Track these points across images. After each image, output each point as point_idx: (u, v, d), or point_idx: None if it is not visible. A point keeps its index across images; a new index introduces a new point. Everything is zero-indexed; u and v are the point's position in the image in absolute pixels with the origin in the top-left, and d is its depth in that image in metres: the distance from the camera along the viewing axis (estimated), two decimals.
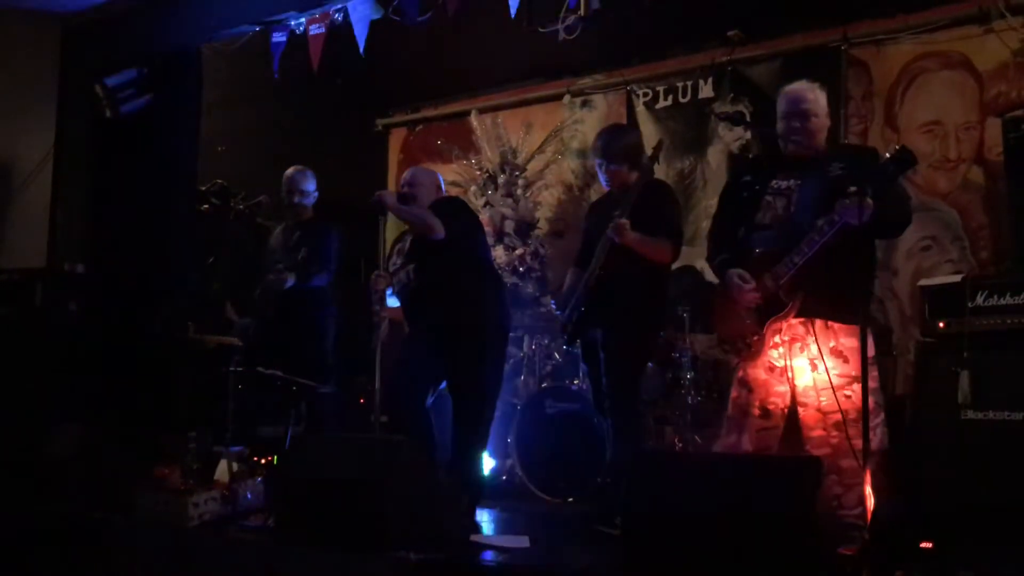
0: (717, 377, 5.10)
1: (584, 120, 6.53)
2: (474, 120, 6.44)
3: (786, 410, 3.63)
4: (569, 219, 6.41)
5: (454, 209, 4.46)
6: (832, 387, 3.46)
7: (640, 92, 6.44)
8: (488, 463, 5.05)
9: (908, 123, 5.45)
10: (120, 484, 4.12)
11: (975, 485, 3.45)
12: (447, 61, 6.50)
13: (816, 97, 3.70)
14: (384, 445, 3.73)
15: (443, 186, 4.78)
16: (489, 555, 3.46)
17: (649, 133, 6.38)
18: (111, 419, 5.11)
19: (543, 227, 6.36)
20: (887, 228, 3.50)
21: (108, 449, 4.57)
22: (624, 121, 6.47)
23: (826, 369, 3.47)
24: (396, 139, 7.70)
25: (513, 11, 4.63)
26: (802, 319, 3.55)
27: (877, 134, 5.47)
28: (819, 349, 3.50)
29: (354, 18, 5.10)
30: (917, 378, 3.84)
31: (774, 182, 3.68)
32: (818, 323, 3.53)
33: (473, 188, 6.32)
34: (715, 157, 5.98)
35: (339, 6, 5.20)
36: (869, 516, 3.22)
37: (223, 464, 4.17)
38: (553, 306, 4.72)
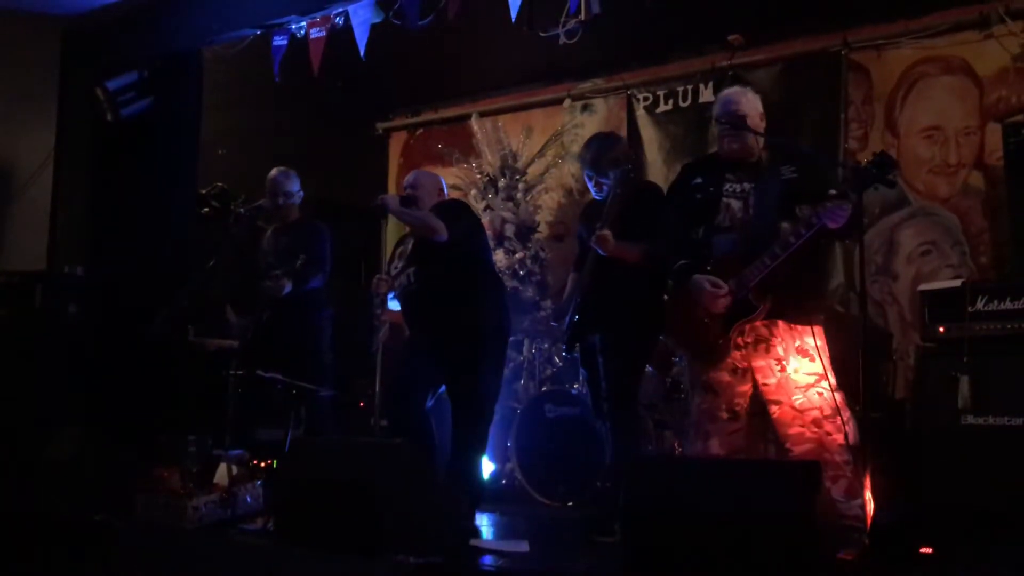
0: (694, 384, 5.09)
1: (584, 124, 6.54)
2: (474, 124, 6.44)
3: (749, 411, 3.63)
4: (569, 223, 6.42)
5: (456, 212, 4.46)
6: (805, 387, 3.48)
7: (640, 96, 6.45)
8: (488, 467, 5.05)
9: (908, 128, 5.46)
10: (120, 487, 4.12)
11: (975, 490, 3.45)
12: (447, 65, 6.51)
13: (748, 100, 3.72)
14: (384, 449, 3.73)
15: (445, 189, 4.78)
16: (488, 559, 3.46)
17: (649, 137, 6.40)
18: (111, 422, 5.10)
19: (543, 231, 6.37)
20: (851, 230, 3.47)
21: (108, 452, 4.57)
22: (624, 125, 6.48)
23: (814, 364, 3.48)
24: (396, 143, 7.71)
25: (514, 15, 4.62)
26: (765, 320, 3.54)
27: (877, 139, 5.48)
28: (787, 350, 3.52)
29: (355, 22, 5.10)
30: (917, 383, 3.85)
31: (728, 185, 3.67)
32: (780, 323, 3.54)
33: (473, 192, 6.33)
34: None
35: (340, 10, 5.20)
36: (869, 520, 3.22)
37: (223, 467, 4.17)
38: (553, 317, 4.72)
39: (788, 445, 3.53)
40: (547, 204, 6.48)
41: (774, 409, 3.56)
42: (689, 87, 6.23)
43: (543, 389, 5.38)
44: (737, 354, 3.60)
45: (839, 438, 3.41)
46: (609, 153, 4.22)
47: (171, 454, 4.28)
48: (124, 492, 4.03)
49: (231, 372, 4.96)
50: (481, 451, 4.39)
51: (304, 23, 5.38)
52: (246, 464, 4.29)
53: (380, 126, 7.74)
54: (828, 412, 3.43)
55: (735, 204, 3.64)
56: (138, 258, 5.76)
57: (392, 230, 7.27)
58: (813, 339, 3.49)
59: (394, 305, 4.66)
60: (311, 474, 3.62)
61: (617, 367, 4.10)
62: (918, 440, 3.73)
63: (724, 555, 2.76)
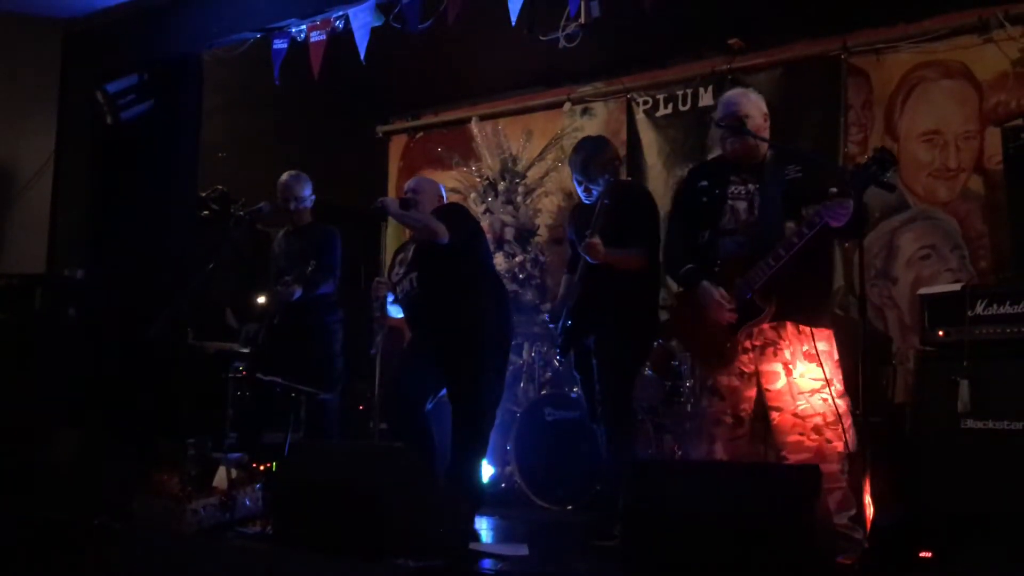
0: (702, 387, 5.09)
1: (584, 128, 6.54)
2: (474, 127, 6.45)
3: (753, 415, 3.63)
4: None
5: (457, 215, 4.47)
6: (810, 391, 3.46)
7: (640, 100, 6.46)
8: (487, 470, 5.05)
9: (908, 132, 5.47)
10: (119, 490, 4.11)
11: (975, 494, 3.45)
12: (448, 69, 6.51)
13: (749, 101, 3.71)
14: (383, 452, 3.73)
15: (444, 196, 4.79)
16: (488, 563, 3.46)
17: (649, 141, 6.41)
18: (110, 425, 5.10)
19: (543, 234, 6.37)
20: (857, 228, 3.46)
21: (107, 455, 4.56)
22: (624, 129, 6.49)
23: (822, 370, 3.46)
24: (396, 146, 7.72)
25: (514, 19, 4.63)
26: (773, 323, 3.53)
27: (877, 143, 5.48)
28: (795, 354, 3.50)
29: (355, 25, 5.10)
30: (916, 387, 3.84)
31: (732, 187, 3.67)
32: (789, 327, 3.53)
33: (473, 195, 6.33)
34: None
35: (340, 13, 5.20)
36: (869, 525, 3.22)
37: (222, 470, 4.16)
38: (547, 319, 4.71)
39: (784, 453, 3.52)
40: (547, 208, 6.48)
41: (774, 415, 3.55)
42: (689, 91, 6.24)
43: (543, 392, 5.38)
44: (745, 358, 3.59)
45: (839, 446, 3.41)
46: (598, 158, 4.21)
47: (170, 457, 4.28)
48: (123, 495, 4.03)
49: (231, 375, 4.96)
50: (481, 455, 4.39)
51: (304, 27, 5.38)
52: (246, 467, 4.29)
53: (380, 129, 7.75)
54: (831, 419, 3.43)
55: (740, 206, 3.63)
56: (138, 261, 5.76)
57: (392, 234, 7.28)
58: (822, 344, 3.48)
59: (393, 309, 4.66)
60: (310, 478, 3.62)
61: (611, 370, 4.09)
62: (917, 444, 3.73)
63: (723, 559, 2.76)
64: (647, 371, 5.08)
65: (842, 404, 3.43)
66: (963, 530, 3.33)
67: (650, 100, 6.43)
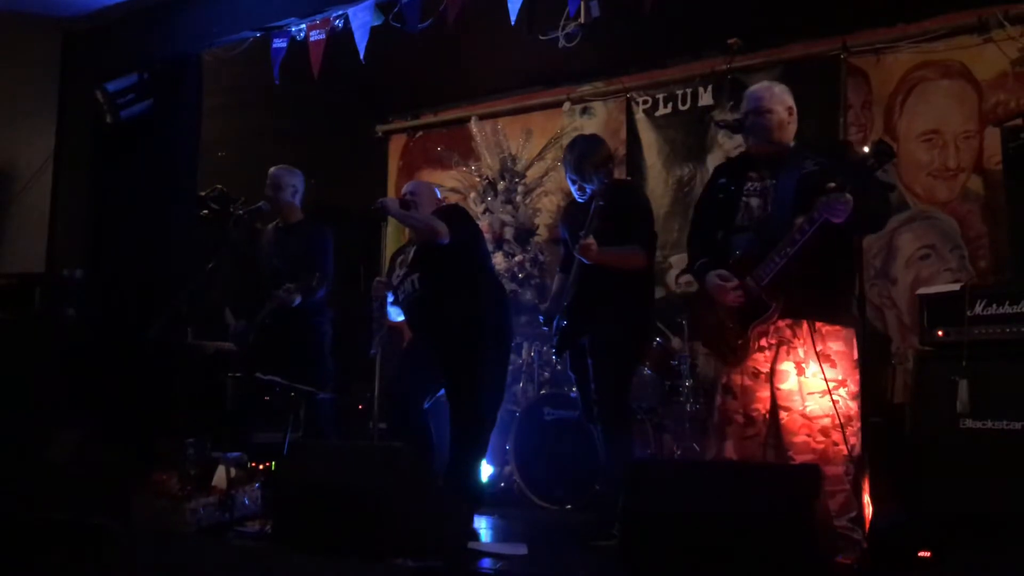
0: (716, 385, 5.09)
1: (584, 127, 6.55)
2: (474, 127, 6.45)
3: (767, 415, 3.60)
4: None
5: (458, 216, 4.47)
6: (820, 392, 3.44)
7: (640, 100, 6.46)
8: (486, 470, 5.05)
9: (907, 132, 5.47)
10: (118, 489, 4.11)
11: (974, 494, 3.45)
12: (447, 68, 6.51)
13: (775, 94, 3.70)
14: (382, 452, 3.73)
15: (439, 197, 4.79)
16: (487, 562, 3.46)
17: (649, 141, 6.41)
18: (109, 424, 5.10)
19: (542, 234, 6.37)
20: (868, 223, 3.45)
21: (106, 454, 4.56)
22: (624, 129, 6.49)
23: (822, 370, 3.44)
24: (396, 145, 7.72)
25: (513, 18, 4.63)
26: (789, 321, 3.51)
27: None
28: (808, 353, 3.48)
29: (355, 25, 5.10)
30: (916, 387, 3.85)
31: (749, 183, 3.66)
32: (805, 326, 3.50)
33: (473, 195, 6.33)
34: (715, 165, 5.98)
35: (340, 12, 5.20)
36: (868, 525, 3.22)
37: (221, 470, 4.16)
38: (541, 319, 4.71)
39: (791, 453, 3.49)
40: (546, 207, 6.48)
41: (783, 415, 3.53)
42: (688, 91, 6.24)
43: (542, 392, 5.38)
44: (760, 356, 3.57)
45: (844, 448, 3.39)
46: (592, 157, 4.20)
47: (169, 457, 4.27)
48: (122, 495, 4.02)
49: (230, 374, 4.96)
50: (480, 455, 4.39)
51: (304, 26, 5.38)
52: (245, 467, 4.29)
53: (380, 129, 7.74)
54: (839, 421, 3.40)
55: (754, 202, 3.62)
56: (137, 261, 5.76)
57: (392, 234, 7.28)
58: (838, 344, 3.45)
59: (393, 311, 4.66)
60: (310, 477, 3.62)
61: (606, 370, 4.08)
62: (916, 444, 3.73)
63: (723, 559, 2.76)
64: (646, 371, 5.08)
65: (854, 406, 3.41)
66: (962, 530, 3.33)
67: (649, 100, 6.43)
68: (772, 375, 3.56)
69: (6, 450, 4.77)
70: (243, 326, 5.16)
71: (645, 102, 6.44)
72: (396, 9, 5.02)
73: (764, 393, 3.58)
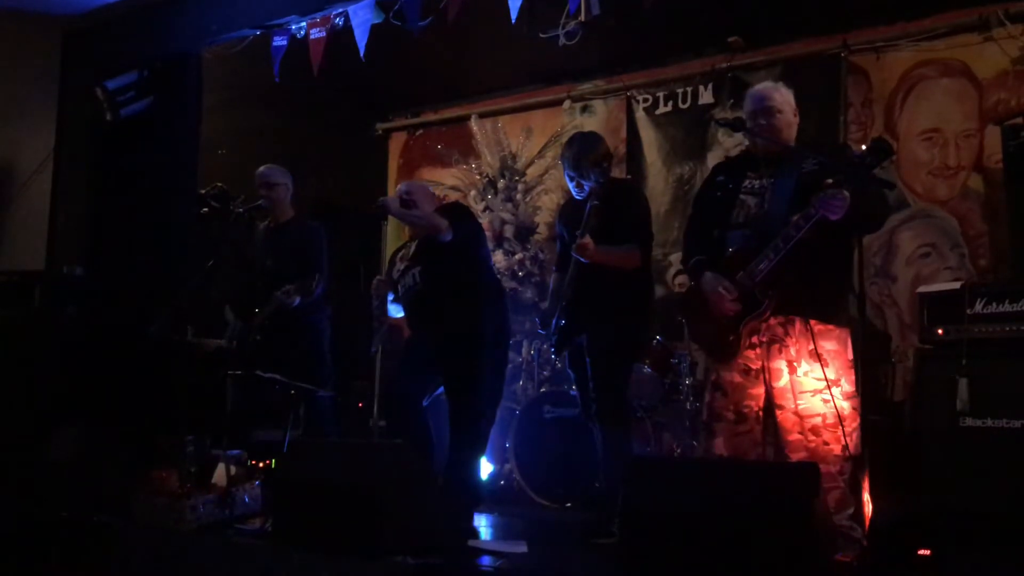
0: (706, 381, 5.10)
1: (584, 126, 6.55)
2: (474, 125, 6.44)
3: (761, 413, 3.60)
4: None
5: (460, 213, 4.47)
6: (812, 391, 3.44)
7: (640, 98, 6.46)
8: (486, 468, 5.05)
9: (908, 130, 5.47)
10: (118, 487, 4.12)
11: (974, 492, 3.45)
12: (447, 66, 6.51)
13: (781, 95, 3.69)
14: (382, 449, 3.73)
15: (436, 195, 4.80)
16: (487, 560, 3.46)
17: (649, 139, 6.41)
18: (109, 422, 5.10)
19: (543, 232, 6.37)
20: (866, 222, 3.43)
21: (106, 452, 4.56)
22: (624, 127, 6.49)
23: (814, 369, 3.45)
24: (396, 143, 7.72)
25: (514, 16, 4.63)
26: (781, 319, 3.51)
27: None
28: (800, 351, 3.48)
29: (355, 22, 5.09)
30: (915, 385, 3.84)
31: (747, 182, 3.65)
32: (798, 324, 3.50)
33: (473, 193, 6.33)
34: (715, 163, 5.98)
35: (340, 10, 5.20)
36: (867, 523, 3.22)
37: (221, 467, 4.17)
38: (537, 321, 4.71)
39: (787, 451, 3.51)
40: (546, 205, 6.48)
41: (779, 413, 3.53)
42: (689, 89, 6.23)
43: (542, 390, 5.38)
44: (751, 353, 3.57)
45: (836, 448, 3.38)
46: (590, 154, 4.20)
47: (169, 454, 4.28)
48: (122, 492, 4.03)
49: (230, 372, 4.96)
50: (480, 452, 4.39)
51: (304, 23, 5.38)
52: (244, 464, 4.29)
53: (380, 127, 7.74)
54: (831, 421, 3.40)
55: (751, 201, 3.62)
56: (137, 258, 5.76)
57: (392, 232, 7.28)
58: (831, 343, 3.45)
59: (393, 309, 4.66)
60: (309, 475, 3.62)
61: (604, 368, 4.08)
62: (916, 442, 3.73)
63: (722, 557, 2.76)
64: (646, 369, 5.08)
65: (848, 406, 3.40)
66: (962, 528, 3.33)
67: (650, 98, 6.43)
68: (767, 373, 3.55)
69: (6, 447, 4.77)
70: (241, 324, 5.16)
71: (645, 100, 6.44)
72: (396, 7, 5.02)
73: (756, 390, 3.58)
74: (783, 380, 3.51)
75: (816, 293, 3.47)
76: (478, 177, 6.32)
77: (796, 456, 3.45)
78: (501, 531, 4.33)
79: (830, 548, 3.02)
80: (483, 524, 4.39)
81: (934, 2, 5.38)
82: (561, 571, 3.50)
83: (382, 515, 3.30)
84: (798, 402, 3.47)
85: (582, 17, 4.90)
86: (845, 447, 3.36)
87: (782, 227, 3.42)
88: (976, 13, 5.23)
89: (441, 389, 4.41)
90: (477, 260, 4.45)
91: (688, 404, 5.05)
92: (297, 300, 4.89)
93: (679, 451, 4.99)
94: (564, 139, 6.37)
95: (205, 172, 6.14)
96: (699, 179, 6.06)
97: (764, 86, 3.80)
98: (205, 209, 6.03)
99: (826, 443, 3.41)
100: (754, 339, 3.56)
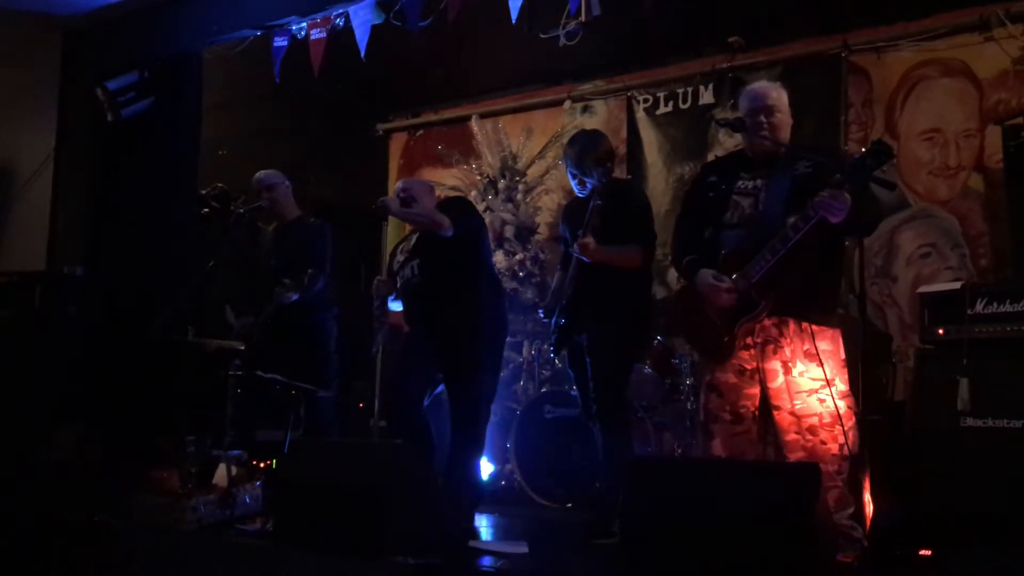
0: (701, 383, 5.10)
1: (585, 126, 6.53)
2: (474, 125, 6.44)
3: (757, 413, 3.60)
4: None
5: (462, 208, 4.46)
6: (808, 391, 3.44)
7: (641, 98, 6.46)
8: (487, 468, 5.05)
9: (908, 130, 5.47)
10: (118, 488, 4.11)
11: (974, 492, 3.45)
12: (448, 66, 6.51)
13: (778, 94, 3.68)
14: (383, 450, 3.73)
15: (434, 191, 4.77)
16: (487, 561, 3.46)
17: (649, 139, 6.41)
18: (110, 422, 5.10)
19: (543, 232, 6.37)
20: (860, 225, 3.43)
21: (106, 452, 4.57)
22: (624, 127, 6.49)
23: (821, 370, 3.43)
24: (396, 144, 7.72)
25: (514, 17, 4.63)
26: (775, 320, 3.51)
27: None
28: (794, 352, 3.48)
29: (355, 23, 5.10)
30: (916, 385, 3.85)
31: (740, 182, 3.65)
32: (791, 325, 3.50)
33: (473, 193, 6.33)
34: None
35: (340, 11, 5.20)
36: (868, 523, 3.22)
37: (222, 468, 4.16)
38: (540, 314, 4.70)
39: (785, 451, 3.52)
40: (547, 205, 6.48)
41: (775, 414, 3.54)
42: (689, 89, 6.23)
43: (542, 390, 5.38)
44: (745, 354, 3.57)
45: (833, 448, 3.39)
46: (593, 152, 4.20)
47: (170, 455, 4.27)
48: (123, 493, 4.03)
49: (231, 373, 4.96)
50: (480, 452, 4.39)
51: (304, 24, 5.38)
52: (245, 465, 4.29)
53: (380, 127, 7.74)
54: (827, 420, 3.41)
55: (745, 201, 3.61)
56: (138, 258, 5.77)
57: (393, 232, 7.28)
58: (824, 343, 3.45)
59: (395, 306, 4.65)
60: (310, 475, 3.62)
61: (604, 368, 4.08)
62: (917, 442, 3.73)
63: (723, 557, 2.76)
64: (647, 369, 5.08)
65: (843, 405, 3.41)
66: (963, 528, 3.33)
67: (650, 98, 6.42)
68: (762, 374, 3.56)
69: (7, 448, 4.78)
70: (248, 324, 5.16)
71: (646, 100, 6.44)
72: (397, 7, 5.02)
73: (751, 390, 3.59)
74: (778, 381, 3.52)
75: (808, 294, 3.47)
76: (479, 177, 6.32)
77: (794, 456, 3.45)
78: (502, 531, 4.33)
79: (831, 548, 3.02)
80: (484, 524, 4.39)
81: (935, 2, 5.37)
82: (562, 572, 3.50)
83: (383, 515, 3.30)
84: (794, 402, 3.48)
85: (582, 17, 4.90)
86: (843, 446, 3.36)
87: (778, 228, 3.42)
88: (977, 13, 5.23)
89: (441, 387, 4.41)
90: (477, 255, 4.44)
91: (689, 404, 5.05)
92: (294, 296, 4.89)
93: (680, 451, 4.99)
94: (565, 139, 6.39)
95: (206, 173, 6.15)
96: None
97: (761, 84, 3.80)
98: (206, 210, 6.03)
99: (823, 442, 3.41)
100: (748, 340, 3.56)
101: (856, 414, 3.43)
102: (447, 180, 6.66)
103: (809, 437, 3.44)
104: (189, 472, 4.05)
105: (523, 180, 6.23)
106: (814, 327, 3.45)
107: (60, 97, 6.25)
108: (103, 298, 5.78)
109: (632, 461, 3.69)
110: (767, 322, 3.51)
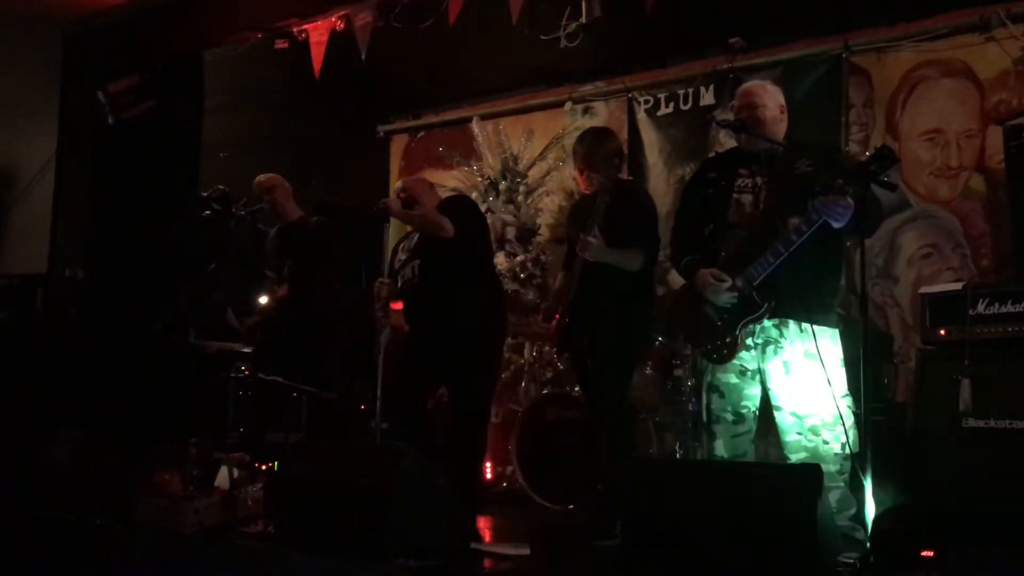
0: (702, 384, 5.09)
1: (586, 127, 6.53)
2: (475, 127, 6.44)
3: (758, 413, 3.61)
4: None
5: (464, 208, 4.46)
6: (808, 391, 3.44)
7: (641, 99, 6.45)
8: (488, 470, 5.05)
9: (909, 131, 5.45)
10: (120, 490, 4.12)
11: (976, 493, 3.44)
12: (448, 68, 6.51)
13: (765, 91, 3.70)
14: (384, 452, 3.73)
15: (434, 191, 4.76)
16: (489, 562, 3.46)
17: (650, 140, 6.40)
18: (111, 425, 5.10)
19: (544, 234, 6.37)
20: (861, 227, 3.42)
21: (108, 455, 4.56)
22: (625, 128, 6.48)
23: (823, 370, 3.43)
24: (397, 145, 7.71)
25: (515, 18, 4.63)
26: (775, 321, 3.51)
27: (878, 142, 5.46)
28: (795, 352, 3.49)
29: (356, 25, 5.11)
30: (918, 386, 3.85)
31: (740, 180, 3.65)
32: (792, 325, 3.50)
33: (474, 195, 6.32)
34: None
35: (341, 13, 5.21)
36: (870, 524, 3.22)
37: (224, 470, 4.17)
38: (541, 316, 4.71)
39: (786, 452, 3.53)
40: (548, 207, 6.47)
41: (777, 414, 3.55)
42: (690, 90, 6.22)
43: (544, 392, 5.38)
44: (745, 355, 3.57)
45: (835, 447, 3.40)
46: (602, 148, 4.21)
47: (172, 457, 4.28)
48: (124, 495, 4.03)
49: (232, 375, 4.96)
50: (482, 453, 4.39)
51: (306, 26, 5.39)
52: (247, 467, 4.29)
53: (381, 129, 7.73)
54: (829, 420, 3.42)
55: (746, 199, 3.61)
56: (139, 261, 5.77)
57: (394, 233, 7.27)
58: (825, 343, 3.44)
59: (396, 307, 4.65)
60: (312, 477, 3.62)
61: (606, 369, 4.08)
62: (919, 443, 3.73)
63: (724, 558, 2.76)
64: (648, 370, 5.08)
65: (842, 404, 3.42)
66: (965, 529, 3.33)
67: (651, 99, 6.41)
68: (763, 374, 3.56)
69: (8, 449, 4.78)
70: (252, 323, 5.17)
71: (647, 101, 6.43)
72: (397, 9, 5.03)
73: (752, 391, 3.60)
74: (779, 381, 3.52)
75: (810, 295, 3.48)
76: (479, 179, 6.31)
77: (796, 456, 3.46)
78: (503, 533, 4.32)
79: (832, 549, 3.01)
80: (485, 526, 4.38)
81: (935, 2, 5.37)
82: (563, 573, 3.50)
83: (385, 517, 3.30)
84: (795, 402, 3.48)
85: (583, 19, 4.91)
86: (844, 445, 3.36)
87: (780, 229, 3.43)
88: (977, 13, 5.22)
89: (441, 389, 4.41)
90: (477, 257, 4.44)
91: (690, 405, 5.03)
92: (284, 290, 4.89)
93: (681, 452, 4.98)
94: (566, 141, 6.40)
95: (207, 175, 6.15)
96: None
97: (750, 83, 3.84)
98: (207, 212, 6.04)
99: (826, 442, 3.42)
100: (750, 340, 3.56)
101: (855, 414, 3.44)
102: (448, 182, 6.66)
103: (812, 437, 3.45)
104: (191, 474, 4.05)
105: (524, 182, 6.23)
106: (815, 327, 3.45)
107: (61, 101, 6.27)
108: (104, 300, 5.79)
109: (633, 462, 3.70)
110: (768, 323, 3.51)
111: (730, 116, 5.32)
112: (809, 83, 5.69)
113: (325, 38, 5.27)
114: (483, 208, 6.13)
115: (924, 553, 3.19)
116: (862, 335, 3.39)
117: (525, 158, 6.27)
